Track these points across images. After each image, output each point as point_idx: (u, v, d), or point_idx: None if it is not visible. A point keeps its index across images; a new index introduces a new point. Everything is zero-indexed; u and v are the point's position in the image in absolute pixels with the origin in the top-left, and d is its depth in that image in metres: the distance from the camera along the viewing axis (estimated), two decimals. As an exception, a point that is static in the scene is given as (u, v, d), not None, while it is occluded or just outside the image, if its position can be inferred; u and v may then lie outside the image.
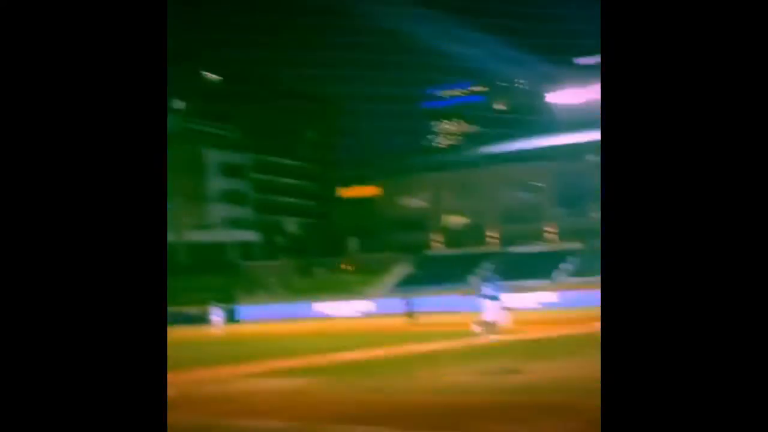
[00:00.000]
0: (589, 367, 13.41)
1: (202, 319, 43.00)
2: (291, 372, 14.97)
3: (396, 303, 40.79)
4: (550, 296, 52.27)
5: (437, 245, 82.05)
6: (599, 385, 12.16)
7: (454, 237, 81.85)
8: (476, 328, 22.12)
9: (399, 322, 35.73)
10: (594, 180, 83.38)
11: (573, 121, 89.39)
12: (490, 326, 22.11)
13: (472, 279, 68.40)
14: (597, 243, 68.04)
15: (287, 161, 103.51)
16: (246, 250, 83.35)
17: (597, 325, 21.66)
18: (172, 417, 4.12)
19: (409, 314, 37.79)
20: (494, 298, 22.95)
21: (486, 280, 24.70)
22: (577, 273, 64.80)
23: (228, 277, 70.72)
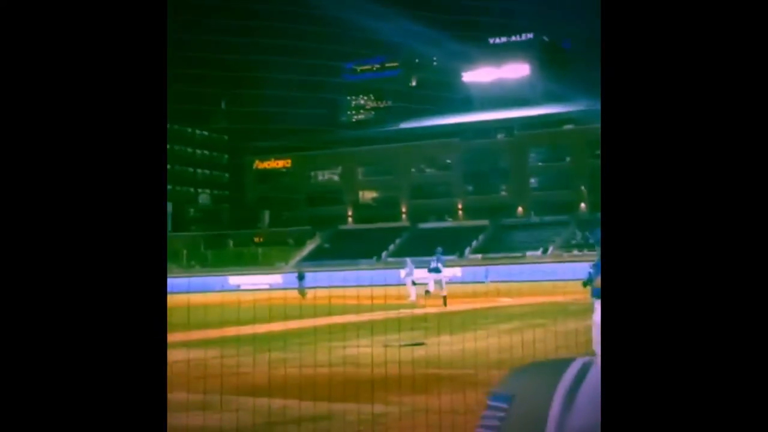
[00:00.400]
0: (490, 340, 13.97)
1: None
2: (198, 344, 15.04)
3: (307, 277, 41.02)
4: (455, 271, 53.28)
5: (350, 220, 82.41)
6: (498, 357, 12.66)
7: (366, 212, 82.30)
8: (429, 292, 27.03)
9: (309, 295, 35.96)
10: (503, 158, 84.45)
11: (485, 99, 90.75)
12: (429, 294, 27.02)
13: (383, 253, 69.02)
14: (503, 220, 70.27)
15: (199, 131, 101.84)
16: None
17: (501, 300, 22.59)
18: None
19: (300, 289, 38.45)
20: (437, 270, 27.63)
21: (435, 254, 28.99)
22: (483, 249, 66.22)
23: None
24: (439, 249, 29.86)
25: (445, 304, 25.95)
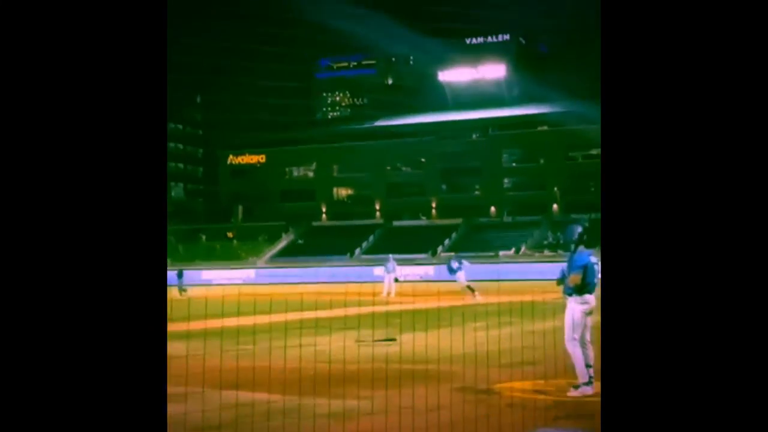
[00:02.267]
0: (455, 336, 14.01)
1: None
2: (170, 337, 14.89)
3: (280, 272, 40.87)
4: (428, 270, 53.38)
5: (324, 216, 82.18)
6: (465, 352, 12.56)
7: (340, 209, 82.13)
8: (474, 297, 27.83)
9: (281, 291, 35.79)
10: (477, 158, 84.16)
11: (460, 98, 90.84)
12: (469, 290, 28.70)
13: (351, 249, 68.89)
14: (476, 219, 70.66)
15: (173, 124, 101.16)
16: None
17: (467, 298, 22.59)
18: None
19: (179, 287, 38.40)
20: (459, 269, 30.09)
21: (454, 255, 33.41)
22: (455, 248, 66.38)
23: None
24: (453, 254, 36.76)
25: (472, 291, 28.58)
